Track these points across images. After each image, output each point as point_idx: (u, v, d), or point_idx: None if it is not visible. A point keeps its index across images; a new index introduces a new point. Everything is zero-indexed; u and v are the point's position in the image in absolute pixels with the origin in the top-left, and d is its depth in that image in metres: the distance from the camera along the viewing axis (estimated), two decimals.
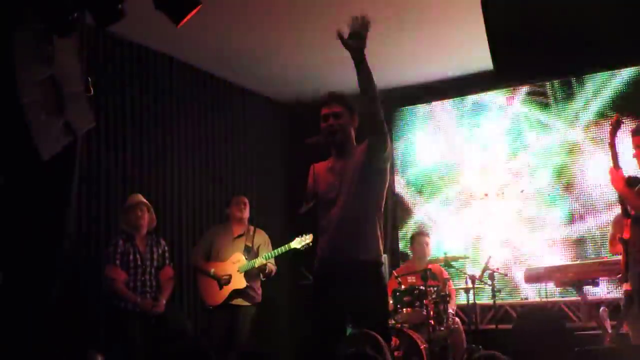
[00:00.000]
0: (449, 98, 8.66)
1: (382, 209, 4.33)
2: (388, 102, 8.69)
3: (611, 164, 5.09)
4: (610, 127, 5.19)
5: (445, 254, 7.16)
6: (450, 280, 7.23)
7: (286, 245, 6.49)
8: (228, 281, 6.49)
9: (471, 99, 8.55)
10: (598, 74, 7.66)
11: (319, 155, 4.46)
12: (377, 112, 4.14)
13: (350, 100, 4.34)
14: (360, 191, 4.19)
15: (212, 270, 6.54)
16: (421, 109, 8.86)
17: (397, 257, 8.51)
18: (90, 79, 2.41)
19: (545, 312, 7.55)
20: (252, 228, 6.77)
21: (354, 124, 4.34)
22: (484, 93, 8.43)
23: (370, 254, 4.20)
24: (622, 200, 5.15)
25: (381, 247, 4.27)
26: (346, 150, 4.32)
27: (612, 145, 5.11)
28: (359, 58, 4.06)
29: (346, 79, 7.73)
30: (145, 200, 6.17)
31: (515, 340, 5.13)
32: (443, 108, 8.73)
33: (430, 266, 6.97)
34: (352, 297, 4.10)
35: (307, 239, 6.26)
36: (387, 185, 4.33)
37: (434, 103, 8.78)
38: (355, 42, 4.01)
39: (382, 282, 4.31)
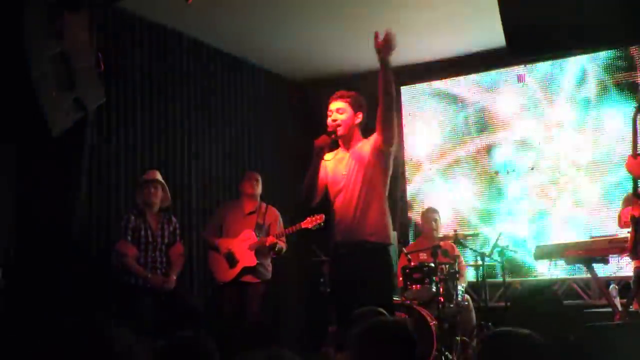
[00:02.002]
0: (459, 75, 8.62)
1: (387, 192, 4.73)
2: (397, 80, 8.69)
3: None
4: (635, 109, 5.11)
5: (455, 231, 7.16)
6: (461, 257, 7.24)
7: (297, 225, 6.51)
8: (235, 263, 6.50)
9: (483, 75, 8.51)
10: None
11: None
12: (391, 112, 4.55)
13: (354, 97, 4.74)
14: (367, 180, 4.60)
15: (223, 247, 6.54)
16: (433, 85, 8.82)
17: (407, 235, 8.52)
18: (100, 55, 2.41)
19: (540, 289, 7.56)
20: (263, 205, 6.78)
21: (357, 118, 4.73)
22: (496, 70, 8.38)
23: (379, 237, 4.59)
24: (635, 181, 5.14)
25: (390, 230, 4.69)
26: (351, 142, 4.73)
27: (635, 132, 5.06)
28: (386, 63, 4.48)
29: (357, 56, 7.79)
30: (160, 178, 6.19)
31: (511, 319, 5.14)
32: (454, 85, 8.70)
33: (440, 243, 6.98)
34: (360, 277, 4.49)
35: (318, 219, 6.25)
36: (391, 170, 4.75)
37: (444, 80, 8.74)
38: (387, 49, 4.45)
39: (389, 263, 4.70)
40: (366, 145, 4.67)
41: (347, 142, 4.72)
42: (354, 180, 4.60)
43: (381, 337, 2.92)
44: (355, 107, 4.69)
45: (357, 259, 4.52)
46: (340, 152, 4.78)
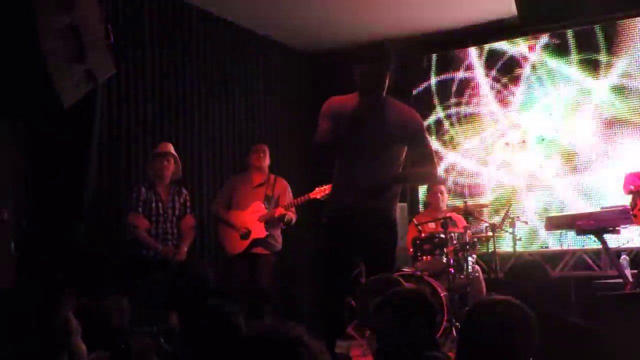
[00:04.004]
0: (470, 46, 8.54)
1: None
2: (412, 48, 8.63)
3: None
4: None
5: (465, 202, 7.15)
6: (470, 229, 7.23)
7: (306, 195, 6.51)
8: (247, 235, 6.51)
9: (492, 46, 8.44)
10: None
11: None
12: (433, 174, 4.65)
13: (387, 55, 4.44)
14: (391, 150, 4.41)
15: (239, 225, 6.54)
16: (444, 56, 8.76)
17: (416, 205, 8.51)
18: (110, 27, 2.40)
19: (529, 263, 7.56)
20: (272, 177, 6.78)
21: (389, 75, 4.37)
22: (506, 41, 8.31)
23: (389, 206, 4.48)
24: None
25: (397, 202, 4.59)
26: (380, 99, 4.38)
27: None
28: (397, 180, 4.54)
29: (367, 28, 7.73)
30: (173, 151, 6.20)
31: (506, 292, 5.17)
32: (464, 55, 8.63)
33: (450, 214, 6.97)
34: (367, 242, 4.39)
35: (327, 189, 6.25)
36: None
37: (455, 51, 8.67)
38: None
39: (396, 233, 4.56)
40: (403, 118, 4.42)
41: (378, 98, 4.35)
42: (379, 145, 4.34)
43: (404, 307, 2.93)
44: (388, 62, 4.37)
45: (367, 226, 4.34)
46: (366, 104, 4.34)
